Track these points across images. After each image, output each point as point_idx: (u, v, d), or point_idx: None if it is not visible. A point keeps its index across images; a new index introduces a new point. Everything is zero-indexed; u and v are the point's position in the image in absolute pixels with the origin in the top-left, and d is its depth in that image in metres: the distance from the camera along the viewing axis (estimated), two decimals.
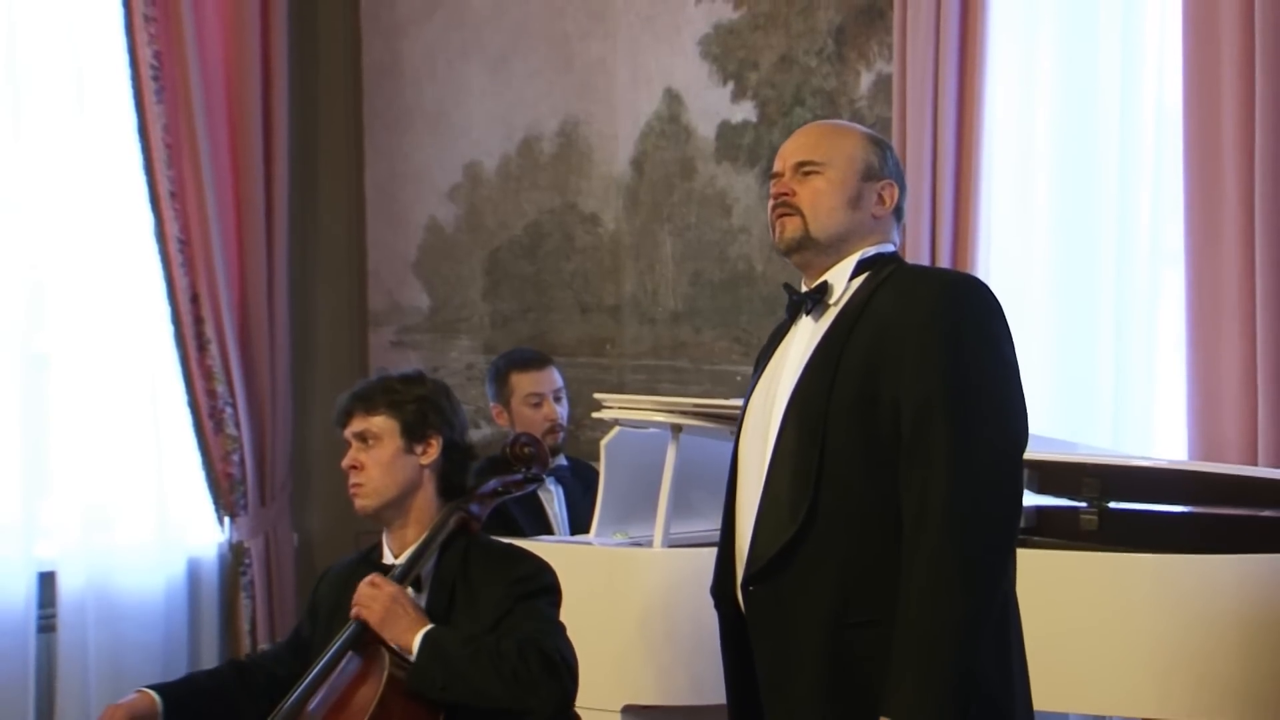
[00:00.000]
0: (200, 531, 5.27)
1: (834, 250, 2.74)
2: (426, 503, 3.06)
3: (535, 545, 3.36)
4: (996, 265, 4.55)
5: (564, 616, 3.00)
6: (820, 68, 5.06)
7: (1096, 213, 4.54)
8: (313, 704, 2.88)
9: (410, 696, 2.84)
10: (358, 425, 3.05)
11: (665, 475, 3.74)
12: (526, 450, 3.19)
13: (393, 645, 2.88)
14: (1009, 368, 2.62)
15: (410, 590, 2.96)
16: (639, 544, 3.90)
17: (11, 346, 4.82)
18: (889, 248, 2.77)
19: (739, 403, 2.97)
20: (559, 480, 4.52)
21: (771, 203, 2.77)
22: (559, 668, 2.85)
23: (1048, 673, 3.04)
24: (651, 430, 3.85)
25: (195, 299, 5.13)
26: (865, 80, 4.97)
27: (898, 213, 2.79)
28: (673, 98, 5.37)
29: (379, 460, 3.03)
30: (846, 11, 5.01)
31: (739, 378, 5.06)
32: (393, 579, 2.95)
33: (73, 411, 4.94)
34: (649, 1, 5.41)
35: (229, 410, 5.20)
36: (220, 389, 5.18)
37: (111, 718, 2.93)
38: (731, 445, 2.81)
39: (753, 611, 2.68)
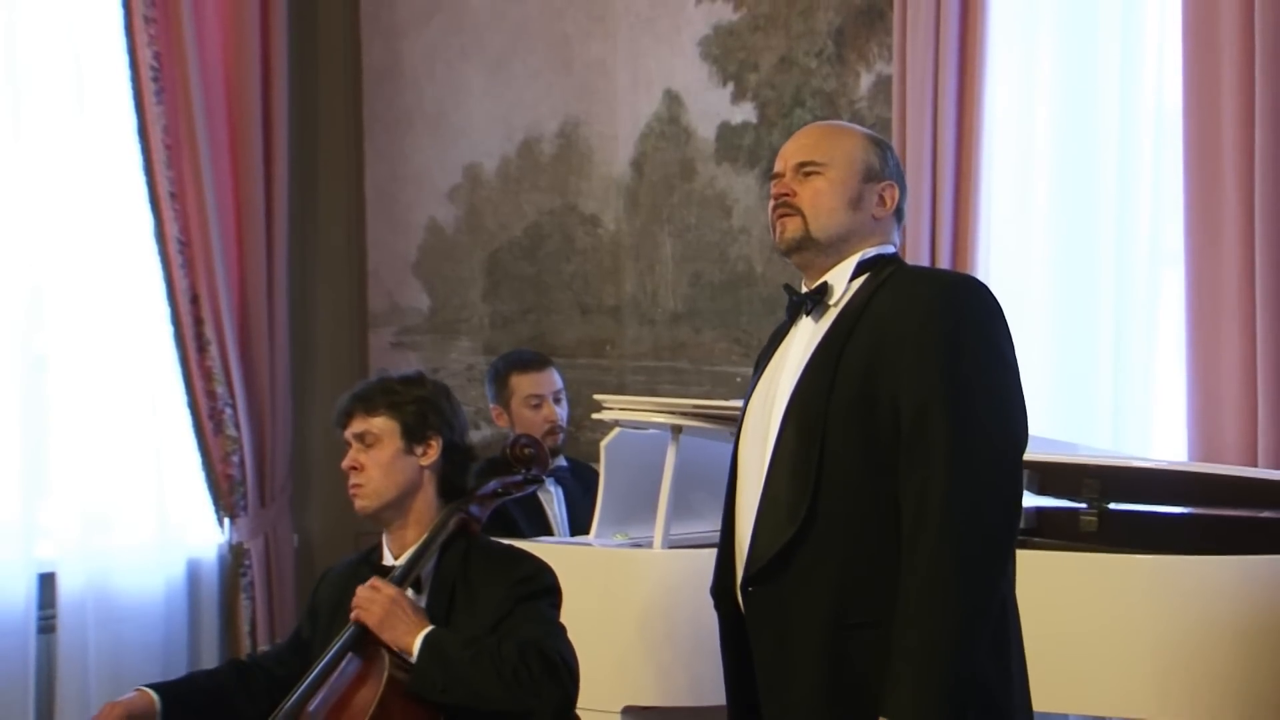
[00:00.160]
0: (200, 532, 5.26)
1: (834, 251, 2.74)
2: (426, 504, 3.05)
3: (535, 546, 3.36)
4: (996, 265, 4.55)
5: (564, 618, 3.00)
6: (820, 69, 5.06)
7: (1096, 213, 4.54)
8: (313, 705, 2.87)
9: (410, 698, 2.83)
10: (358, 426, 3.05)
11: (665, 476, 3.74)
12: (526, 451, 3.19)
13: (393, 648, 2.88)
14: (1009, 369, 2.62)
15: (410, 591, 2.96)
16: (639, 545, 3.90)
17: (11, 347, 4.81)
18: (889, 249, 2.77)
19: (739, 403, 2.97)
20: (559, 481, 4.51)
21: (772, 203, 2.76)
22: (560, 670, 2.84)
23: (1047, 674, 3.04)
24: (651, 431, 3.85)
25: (195, 300, 5.13)
26: (865, 81, 4.97)
27: (898, 214, 2.79)
28: (672, 99, 5.36)
29: (379, 461, 3.02)
30: (846, 13, 5.01)
31: (739, 379, 5.05)
32: (393, 580, 2.95)
33: (72, 412, 4.94)
34: (649, 3, 5.40)
35: (229, 411, 5.20)
36: (220, 390, 5.18)
37: (109, 716, 2.92)
38: (731, 446, 2.81)
39: (752, 612, 2.68)
